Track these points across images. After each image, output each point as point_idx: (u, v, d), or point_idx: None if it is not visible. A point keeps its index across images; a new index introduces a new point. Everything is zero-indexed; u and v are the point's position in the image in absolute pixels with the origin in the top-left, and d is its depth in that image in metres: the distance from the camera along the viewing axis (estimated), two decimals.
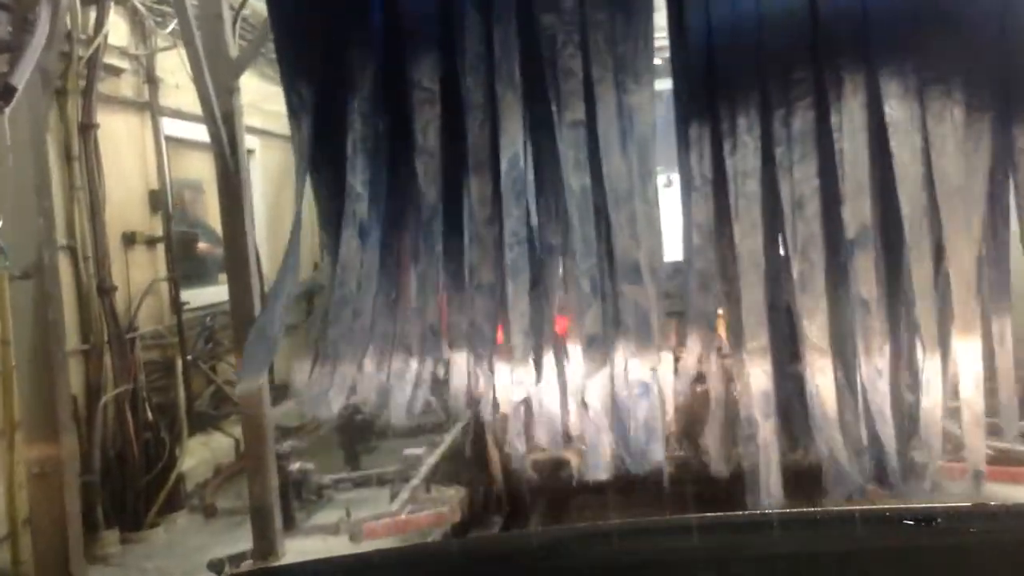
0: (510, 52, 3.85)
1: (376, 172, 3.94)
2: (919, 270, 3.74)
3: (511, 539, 3.09)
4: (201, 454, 6.71)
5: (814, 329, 3.78)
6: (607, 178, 3.85)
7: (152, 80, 6.62)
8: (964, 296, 3.73)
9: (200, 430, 6.88)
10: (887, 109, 3.70)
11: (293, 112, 3.96)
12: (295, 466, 5.55)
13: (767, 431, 3.84)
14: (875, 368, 3.76)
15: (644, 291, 3.86)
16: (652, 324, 3.86)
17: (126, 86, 6.50)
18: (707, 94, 3.87)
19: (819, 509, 3.20)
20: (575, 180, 3.86)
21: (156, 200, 6.70)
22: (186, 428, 6.33)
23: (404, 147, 3.97)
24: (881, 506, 3.40)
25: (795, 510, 3.28)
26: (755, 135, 3.81)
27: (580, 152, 3.85)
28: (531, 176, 3.93)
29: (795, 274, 3.81)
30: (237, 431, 6.61)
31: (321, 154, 3.97)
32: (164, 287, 6.69)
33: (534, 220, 3.93)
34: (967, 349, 3.77)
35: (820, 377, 3.79)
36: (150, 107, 6.63)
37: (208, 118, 4.87)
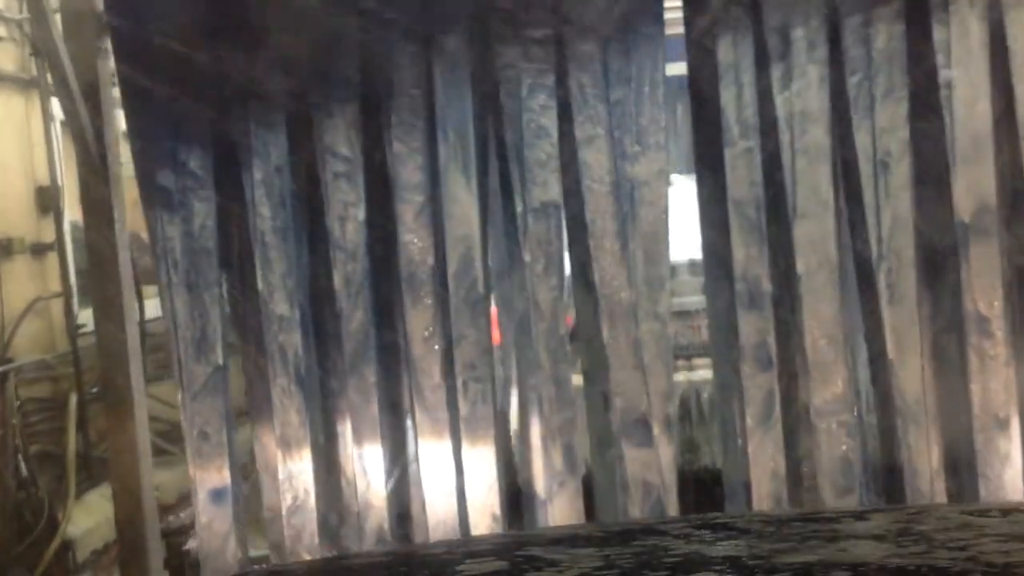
0: (461, 100, 2.78)
1: (300, 280, 2.96)
2: None
3: (511, 539, 2.80)
4: (103, 511, 5.45)
5: (907, 359, 2.68)
6: (599, 286, 2.78)
7: (39, 52, 5.40)
8: None
9: (105, 480, 5.66)
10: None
11: (165, 197, 3.14)
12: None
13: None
14: (994, 422, 2.68)
15: (655, 456, 2.81)
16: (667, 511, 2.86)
17: (5, 58, 5.31)
18: None
19: (819, 509, 2.97)
20: (543, 292, 2.78)
21: (46, 199, 5.48)
22: (74, 482, 5.13)
23: (320, 242, 3.02)
24: (881, 506, 3.10)
25: (795, 510, 3.02)
26: (819, 58, 2.64)
27: (552, 250, 2.80)
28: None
29: (881, 275, 2.66)
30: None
31: (211, 255, 3.09)
32: (56, 306, 5.46)
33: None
34: None
35: (915, 437, 2.72)
36: (37, 84, 5.41)
37: (60, 90, 3.69)
